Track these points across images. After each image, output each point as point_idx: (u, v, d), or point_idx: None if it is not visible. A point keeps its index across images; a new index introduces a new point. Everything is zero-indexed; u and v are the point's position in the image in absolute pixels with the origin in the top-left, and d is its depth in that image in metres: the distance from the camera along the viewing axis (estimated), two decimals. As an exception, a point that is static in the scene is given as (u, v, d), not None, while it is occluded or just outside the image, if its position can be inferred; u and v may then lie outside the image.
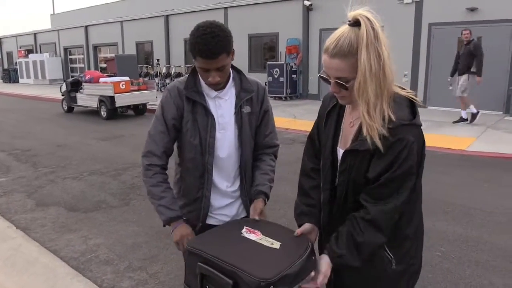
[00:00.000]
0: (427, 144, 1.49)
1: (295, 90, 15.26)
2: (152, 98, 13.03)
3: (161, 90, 18.23)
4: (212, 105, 1.89)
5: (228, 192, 2.01)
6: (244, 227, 1.69)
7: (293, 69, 14.98)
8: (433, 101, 12.08)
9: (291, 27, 15.34)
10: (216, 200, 2.00)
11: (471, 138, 8.12)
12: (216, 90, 1.88)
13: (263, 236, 1.63)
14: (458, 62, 9.44)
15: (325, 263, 1.50)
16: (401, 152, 1.35)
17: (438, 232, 4.08)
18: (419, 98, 1.46)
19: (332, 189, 1.59)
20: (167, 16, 20.17)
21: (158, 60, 19.89)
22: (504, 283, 3.25)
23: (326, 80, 1.47)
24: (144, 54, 22.03)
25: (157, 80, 18.60)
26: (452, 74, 9.76)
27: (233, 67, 1.93)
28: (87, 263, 3.70)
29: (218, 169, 1.95)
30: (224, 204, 2.02)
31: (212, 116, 1.87)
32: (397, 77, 1.46)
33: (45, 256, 3.79)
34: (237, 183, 2.03)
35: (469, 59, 9.20)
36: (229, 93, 1.92)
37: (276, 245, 1.57)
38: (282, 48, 15.75)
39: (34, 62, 27.56)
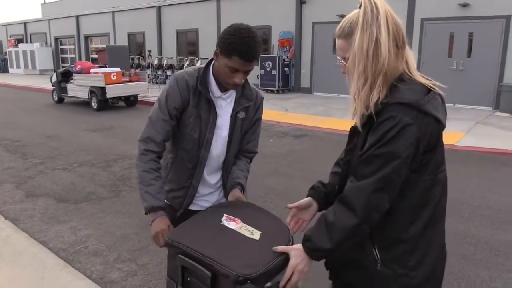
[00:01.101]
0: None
1: (287, 84, 15.26)
2: (144, 89, 12.95)
3: (152, 82, 18.15)
4: (214, 103, 1.94)
5: (212, 184, 2.10)
6: (224, 214, 1.69)
7: (285, 62, 14.97)
8: (424, 96, 12.18)
9: (284, 20, 15.30)
10: (201, 189, 2.08)
11: (461, 133, 8.19)
12: (222, 91, 1.93)
13: (243, 224, 1.63)
14: None
15: (293, 253, 1.43)
16: (389, 130, 1.27)
17: (426, 226, 4.13)
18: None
19: (341, 183, 1.53)
20: (160, 7, 19.99)
21: (150, 51, 19.76)
22: (490, 275, 3.30)
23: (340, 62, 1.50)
24: (136, 45, 21.85)
25: (148, 71, 18.48)
26: None
27: None
28: (76, 254, 3.69)
29: (208, 164, 2.03)
30: (207, 192, 2.11)
31: (216, 113, 1.93)
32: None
33: (34, 247, 3.77)
34: (219, 177, 2.11)
35: None
36: (231, 97, 1.98)
37: (256, 235, 1.57)
38: (274, 41, 15.71)
39: (24, 52, 27.21)
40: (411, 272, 1.39)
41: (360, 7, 1.34)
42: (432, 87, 1.36)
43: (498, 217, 4.40)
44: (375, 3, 1.31)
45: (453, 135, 7.97)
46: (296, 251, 1.44)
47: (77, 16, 25.57)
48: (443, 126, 1.37)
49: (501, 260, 3.53)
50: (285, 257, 1.46)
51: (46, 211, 4.69)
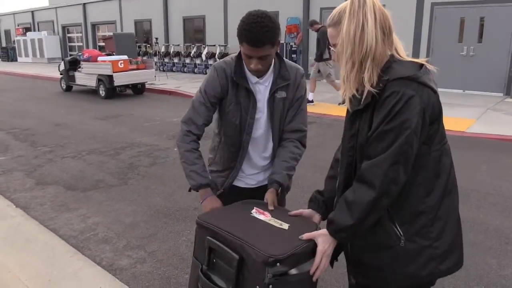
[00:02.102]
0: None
1: (295, 70, 15.12)
2: (151, 77, 12.94)
3: (160, 70, 18.12)
4: (252, 89, 2.01)
5: (259, 166, 2.17)
6: (254, 207, 1.75)
7: (293, 48, 14.85)
8: (434, 82, 11.99)
9: (291, 5, 15.12)
10: (247, 169, 2.17)
11: (471, 120, 8.10)
12: (257, 77, 1.99)
13: (272, 217, 1.68)
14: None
15: (321, 239, 1.48)
16: (395, 104, 1.33)
17: (434, 213, 4.11)
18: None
19: (346, 172, 1.57)
20: (166, -6, 19.86)
21: (157, 39, 19.69)
22: (499, 263, 3.29)
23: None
24: (143, 32, 21.78)
25: (155, 59, 18.44)
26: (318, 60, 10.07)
27: (276, 54, 2.03)
28: (86, 241, 3.73)
29: (252, 146, 2.12)
30: (252, 172, 2.19)
31: (255, 99, 2.00)
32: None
33: (44, 234, 3.82)
34: (269, 159, 2.16)
35: (317, 46, 9.74)
36: (269, 79, 2.03)
37: (285, 226, 1.61)
38: (282, 27, 15.45)
39: (32, 41, 27.24)
40: (434, 243, 1.44)
41: None
42: (423, 63, 1.45)
43: (507, 205, 4.36)
44: None
45: (463, 122, 7.89)
46: (323, 236, 1.49)
47: (84, 4, 25.49)
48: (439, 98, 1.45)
49: (511, 248, 3.50)
50: (313, 245, 1.50)
51: (55, 199, 4.74)
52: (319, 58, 9.79)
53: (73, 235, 3.84)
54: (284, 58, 2.09)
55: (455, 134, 7.22)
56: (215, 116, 2.13)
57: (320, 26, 9.83)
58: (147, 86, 13.31)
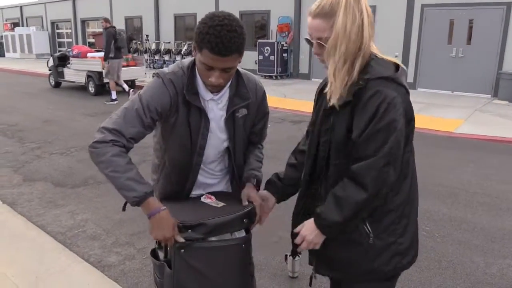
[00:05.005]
0: (415, 125, 1.45)
1: (285, 69, 15.16)
2: (141, 74, 12.85)
3: (150, 67, 18.02)
4: (204, 108, 1.70)
5: (211, 186, 1.93)
6: (205, 194, 1.84)
7: (284, 47, 14.84)
8: (423, 83, 12.09)
9: (283, 5, 15.13)
10: (198, 191, 1.91)
11: (459, 120, 8.19)
12: (212, 92, 1.68)
13: (216, 200, 1.78)
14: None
15: (307, 225, 1.52)
16: (380, 104, 1.32)
17: (423, 212, 4.15)
18: (409, 80, 1.46)
19: (313, 163, 1.58)
20: (157, -9, 19.75)
21: (147, 36, 19.58)
22: (485, 261, 3.33)
23: (309, 42, 1.48)
24: (133, 29, 21.64)
25: (146, 56, 18.34)
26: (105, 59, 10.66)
27: None
28: (74, 238, 3.70)
29: (204, 169, 1.86)
30: (206, 191, 1.92)
31: (207, 119, 1.70)
32: (386, 54, 1.46)
33: (32, 230, 3.78)
34: (224, 181, 1.96)
35: (105, 46, 10.40)
36: (224, 96, 1.73)
37: (220, 205, 1.72)
38: (273, 26, 15.56)
39: (21, 36, 26.93)
40: (399, 239, 1.48)
41: None
42: (398, 63, 1.44)
43: (494, 204, 4.42)
44: None
45: (452, 122, 7.97)
46: (309, 224, 1.51)
47: (74, 0, 25.25)
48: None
49: (497, 247, 3.55)
50: (232, 218, 1.62)
51: (43, 195, 4.69)
52: (106, 57, 10.44)
53: (61, 232, 3.81)
54: (242, 70, 1.77)
55: (443, 134, 7.30)
56: (158, 140, 1.84)
57: (109, 26, 10.36)
58: (137, 83, 13.20)
